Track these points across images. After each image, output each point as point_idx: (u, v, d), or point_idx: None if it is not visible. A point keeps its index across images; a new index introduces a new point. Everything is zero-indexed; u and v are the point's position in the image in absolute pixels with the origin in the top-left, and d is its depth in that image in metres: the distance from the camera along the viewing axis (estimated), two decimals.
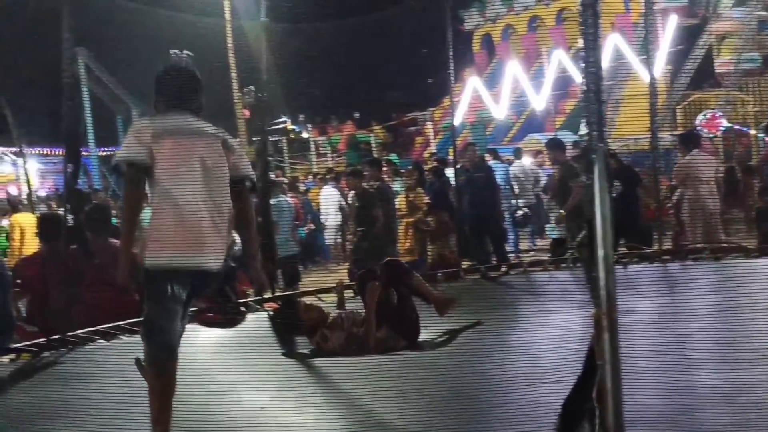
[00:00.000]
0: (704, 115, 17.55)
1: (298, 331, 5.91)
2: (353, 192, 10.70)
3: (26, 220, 10.95)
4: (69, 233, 6.86)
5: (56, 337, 6.50)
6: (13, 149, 27.88)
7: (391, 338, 5.83)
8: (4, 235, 12.68)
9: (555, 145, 10.56)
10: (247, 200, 4.08)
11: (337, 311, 6.20)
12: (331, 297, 7.00)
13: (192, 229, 3.78)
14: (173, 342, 3.80)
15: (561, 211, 9.66)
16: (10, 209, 12.21)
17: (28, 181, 7.75)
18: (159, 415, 3.78)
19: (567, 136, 19.21)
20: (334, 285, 7.10)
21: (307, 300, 6.56)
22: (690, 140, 9.71)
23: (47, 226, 7.29)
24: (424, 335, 5.88)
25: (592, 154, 2.46)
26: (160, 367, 3.79)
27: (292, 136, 28.24)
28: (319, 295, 7.33)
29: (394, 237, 10.66)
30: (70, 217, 7.05)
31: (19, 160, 19.27)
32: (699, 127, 15.25)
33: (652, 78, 9.30)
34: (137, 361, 4.05)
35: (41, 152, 26.44)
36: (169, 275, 3.77)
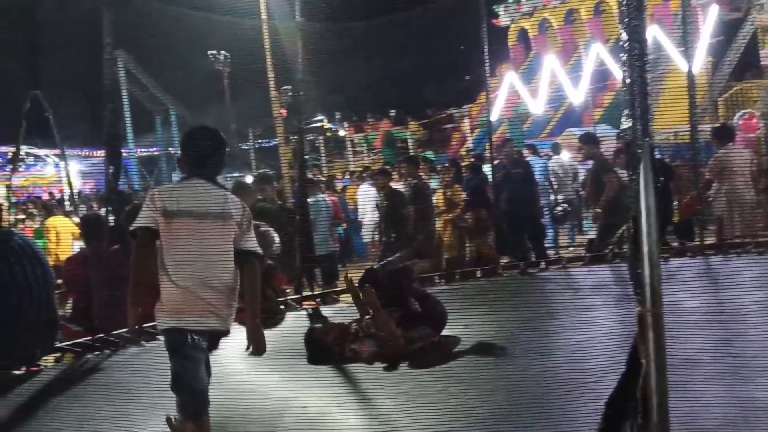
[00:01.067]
0: (741, 115, 17.20)
1: (328, 354, 5.78)
2: (381, 192, 10.71)
3: (61, 224, 11.16)
4: (111, 233, 6.95)
5: (100, 336, 6.61)
6: (56, 151, 28.44)
7: (420, 333, 5.79)
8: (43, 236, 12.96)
9: (588, 140, 10.45)
10: (250, 272, 4.26)
11: (355, 324, 6.01)
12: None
13: (190, 296, 4.05)
14: (203, 387, 4.02)
15: (597, 209, 9.54)
16: (46, 213, 12.46)
17: (69, 182, 7.85)
18: None
19: (605, 130, 19.01)
20: (345, 285, 6.90)
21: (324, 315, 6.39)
22: (724, 134, 9.54)
23: (90, 227, 7.39)
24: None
25: (638, 149, 2.41)
26: (195, 413, 3.99)
27: (328, 134, 28.35)
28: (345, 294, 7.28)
29: (432, 234, 10.63)
30: (111, 217, 7.16)
31: (61, 162, 19.64)
32: (737, 128, 14.93)
33: (692, 70, 9.16)
34: (168, 419, 4.16)
35: (82, 154, 26.89)
36: (182, 330, 4.03)
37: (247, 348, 4.16)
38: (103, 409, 4.86)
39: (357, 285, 6.28)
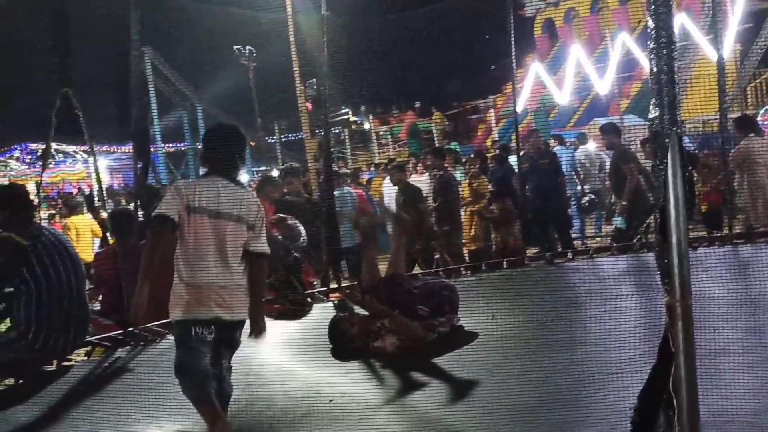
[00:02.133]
0: (765, 110, 16.96)
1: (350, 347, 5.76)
2: (397, 186, 10.74)
3: (81, 222, 11.30)
4: (141, 228, 7.02)
5: (130, 330, 6.68)
6: (84, 147, 28.72)
7: (438, 320, 5.79)
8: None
9: (609, 130, 10.42)
10: (258, 271, 4.52)
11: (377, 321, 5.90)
12: None
13: (204, 287, 4.30)
14: (201, 376, 4.24)
15: (622, 202, 9.49)
16: (67, 211, 12.58)
17: (98, 178, 7.95)
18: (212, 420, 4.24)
19: (632, 120, 18.85)
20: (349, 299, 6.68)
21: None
22: (745, 124, 9.44)
23: (119, 222, 7.47)
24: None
25: (666, 138, 2.40)
26: (194, 397, 4.25)
27: (353, 127, 28.36)
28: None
29: (458, 225, 10.64)
30: (140, 212, 7.23)
31: (90, 158, 19.80)
32: (761, 121, 14.72)
33: (720, 57, 9.06)
34: None
35: (109, 149, 27.15)
36: (189, 323, 4.28)
37: (250, 334, 4.44)
38: (132, 402, 4.91)
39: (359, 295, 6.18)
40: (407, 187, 10.56)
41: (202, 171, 4.68)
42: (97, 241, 11.93)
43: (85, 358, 6.27)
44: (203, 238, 4.34)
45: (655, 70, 2.42)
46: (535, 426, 3.70)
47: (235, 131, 4.63)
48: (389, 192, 13.40)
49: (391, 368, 5.18)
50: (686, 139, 14.39)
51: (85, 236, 11.05)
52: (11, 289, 5.68)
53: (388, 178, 15.26)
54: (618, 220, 9.99)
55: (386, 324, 5.68)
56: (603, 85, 23.96)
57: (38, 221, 6.15)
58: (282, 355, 5.65)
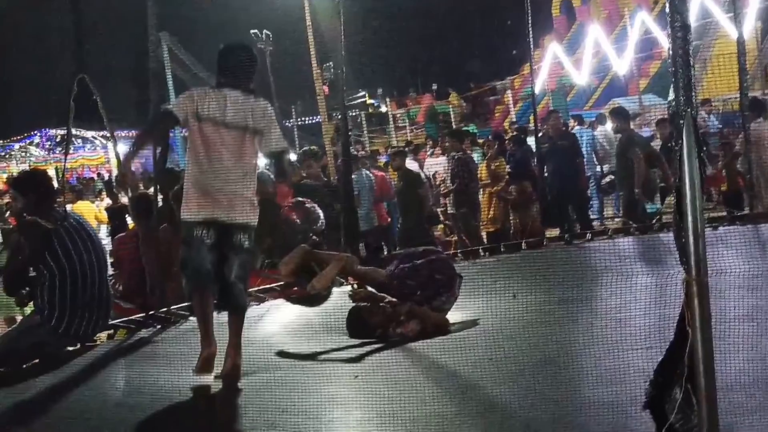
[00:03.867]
0: None
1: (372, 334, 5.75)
2: (397, 172, 10.78)
3: (86, 208, 11.41)
4: (161, 212, 7.09)
5: (151, 313, 6.77)
6: (102, 132, 28.88)
7: (440, 301, 5.75)
8: None
9: (617, 114, 10.47)
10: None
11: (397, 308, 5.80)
12: None
13: (207, 191, 4.70)
14: (201, 271, 4.73)
15: (636, 190, 9.55)
16: (74, 197, 12.70)
17: (118, 163, 7.98)
18: (203, 331, 4.78)
19: (651, 100, 18.72)
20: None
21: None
22: (756, 106, 9.43)
23: (140, 206, 7.54)
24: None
25: (680, 119, 2.41)
26: (195, 287, 4.82)
27: (370, 110, 28.36)
28: None
29: (476, 207, 10.66)
30: (160, 197, 7.29)
31: (109, 144, 19.89)
32: None
33: (741, 36, 8.98)
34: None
35: (129, 135, 27.31)
36: (192, 224, 4.74)
37: None
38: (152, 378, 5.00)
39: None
40: (406, 174, 10.60)
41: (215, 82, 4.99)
42: (103, 228, 12.10)
43: (108, 340, 6.37)
44: (208, 145, 4.68)
45: (670, 52, 2.43)
46: (553, 401, 3.73)
47: (248, 51, 5.10)
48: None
49: (417, 349, 5.20)
50: (711, 118, 14.33)
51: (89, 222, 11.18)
52: (35, 274, 5.76)
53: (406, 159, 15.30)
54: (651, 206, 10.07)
55: (406, 310, 5.66)
56: (622, 65, 23.78)
57: (61, 206, 6.20)
58: (301, 339, 5.69)
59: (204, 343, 4.75)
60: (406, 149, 17.83)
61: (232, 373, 4.65)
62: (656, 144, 10.70)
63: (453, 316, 5.75)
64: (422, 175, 11.48)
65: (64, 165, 7.73)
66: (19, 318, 7.07)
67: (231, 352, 4.72)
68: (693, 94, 2.40)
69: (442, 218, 11.99)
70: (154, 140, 4.95)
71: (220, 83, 4.86)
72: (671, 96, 2.57)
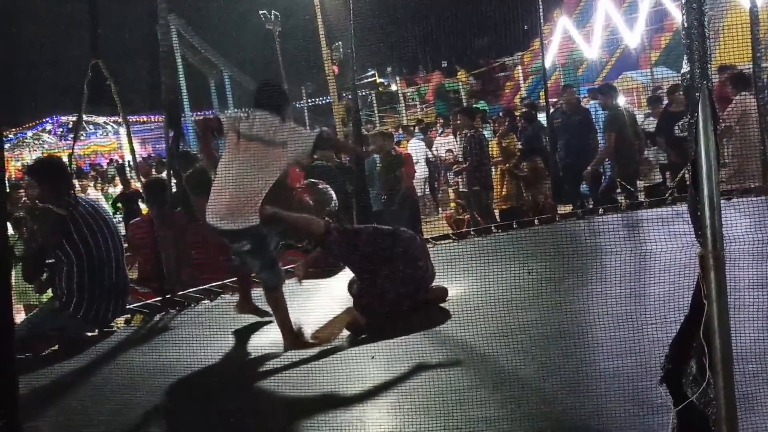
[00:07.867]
0: None
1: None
2: (379, 154, 10.69)
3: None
4: (174, 197, 7.11)
5: (167, 297, 6.81)
6: (114, 118, 28.94)
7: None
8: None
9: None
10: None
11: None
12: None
13: (217, 201, 5.12)
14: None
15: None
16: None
17: (132, 148, 8.01)
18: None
19: (663, 72, 18.53)
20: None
21: None
22: (740, 81, 9.38)
23: (153, 191, 7.58)
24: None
25: (696, 92, 2.39)
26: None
27: (380, 89, 28.27)
28: None
29: (489, 185, 10.63)
30: (174, 181, 7.31)
31: (122, 129, 19.99)
32: None
33: (754, 5, 8.87)
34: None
35: (138, 120, 27.37)
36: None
37: None
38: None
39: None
40: (388, 156, 10.47)
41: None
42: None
43: (125, 325, 6.43)
44: (232, 156, 5.14)
45: (684, 24, 2.41)
46: (569, 373, 3.76)
47: (278, 87, 5.59)
48: (414, 154, 13.43)
49: (431, 326, 5.22)
50: None
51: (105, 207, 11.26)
52: (52, 260, 5.81)
53: (413, 140, 15.28)
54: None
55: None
56: (633, 38, 23.55)
57: (75, 192, 6.23)
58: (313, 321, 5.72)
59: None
60: (415, 128, 17.79)
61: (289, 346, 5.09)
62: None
63: (468, 290, 5.75)
64: (413, 157, 11.52)
65: (73, 151, 7.72)
66: (37, 305, 7.14)
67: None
68: (708, 66, 2.39)
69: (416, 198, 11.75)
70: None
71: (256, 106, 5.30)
72: (685, 68, 2.54)
